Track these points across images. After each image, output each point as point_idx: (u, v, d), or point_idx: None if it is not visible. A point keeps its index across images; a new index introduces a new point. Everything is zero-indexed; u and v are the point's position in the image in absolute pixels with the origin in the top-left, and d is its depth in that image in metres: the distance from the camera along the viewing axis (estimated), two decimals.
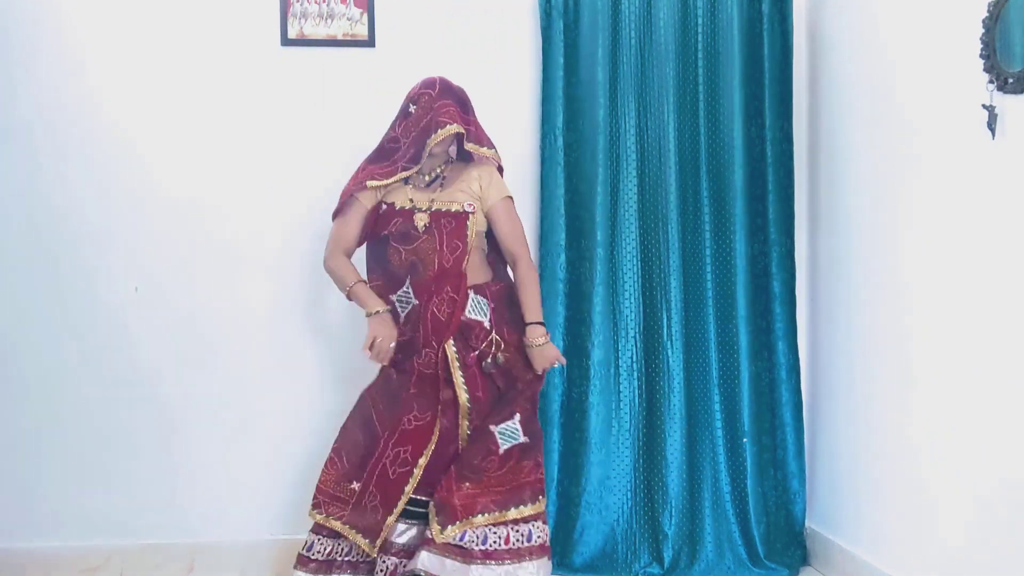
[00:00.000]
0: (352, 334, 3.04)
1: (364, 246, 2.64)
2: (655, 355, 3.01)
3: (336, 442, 2.55)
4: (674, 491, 2.98)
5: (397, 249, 2.53)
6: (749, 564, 2.97)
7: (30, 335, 2.97)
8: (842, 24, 2.93)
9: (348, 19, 3.01)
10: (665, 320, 3.00)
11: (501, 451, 2.46)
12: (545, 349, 2.52)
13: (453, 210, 2.51)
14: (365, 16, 3.01)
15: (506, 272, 2.67)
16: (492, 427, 2.47)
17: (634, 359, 3.01)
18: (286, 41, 3.00)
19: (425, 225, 2.50)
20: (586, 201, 2.99)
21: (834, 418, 3.00)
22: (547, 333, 2.54)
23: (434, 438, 2.45)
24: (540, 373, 2.55)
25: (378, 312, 2.50)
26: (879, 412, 2.70)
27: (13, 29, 2.93)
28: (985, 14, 2.15)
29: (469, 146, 2.53)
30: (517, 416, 2.50)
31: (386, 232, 2.54)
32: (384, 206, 2.56)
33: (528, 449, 2.50)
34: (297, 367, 3.04)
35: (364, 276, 2.60)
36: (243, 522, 3.02)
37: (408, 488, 2.42)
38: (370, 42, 3.02)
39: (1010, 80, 2.08)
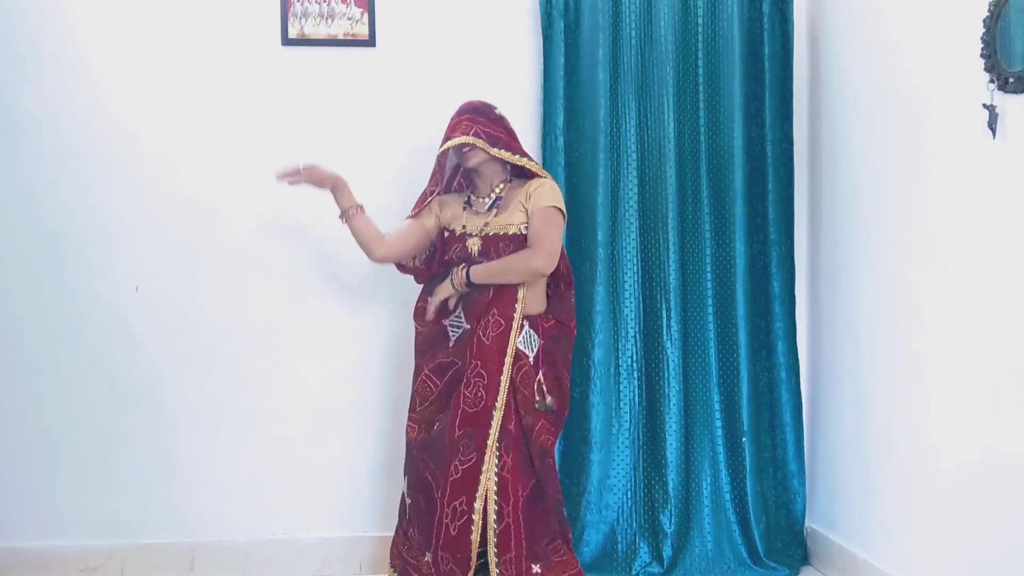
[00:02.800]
0: (353, 335, 3.05)
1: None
2: (655, 355, 3.02)
3: (408, 509, 2.54)
4: (674, 490, 2.98)
5: None
6: (749, 563, 2.97)
7: (31, 334, 2.96)
8: (843, 24, 2.93)
9: (349, 19, 3.01)
10: (665, 320, 3.01)
11: (561, 536, 2.48)
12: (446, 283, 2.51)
13: (510, 233, 2.48)
14: (366, 16, 3.01)
15: (559, 306, 2.62)
16: (552, 507, 2.48)
17: (634, 359, 3.02)
18: (287, 41, 2.99)
19: (479, 250, 2.49)
20: (586, 201, 2.99)
21: (834, 418, 3.00)
22: (461, 284, 2.48)
23: (483, 479, 2.39)
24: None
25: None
26: (879, 411, 2.70)
27: (17, 29, 2.92)
28: (986, 14, 2.16)
29: (501, 154, 2.49)
30: (559, 495, 2.53)
31: (447, 259, 2.56)
32: (446, 232, 2.58)
33: (568, 537, 2.53)
34: (297, 367, 3.03)
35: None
36: (243, 522, 3.02)
37: (474, 539, 2.38)
38: (371, 42, 3.02)
39: (1011, 80, 2.09)
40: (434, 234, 2.64)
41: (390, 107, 3.02)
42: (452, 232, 2.56)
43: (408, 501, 2.55)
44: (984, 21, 2.16)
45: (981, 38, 2.17)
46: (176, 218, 2.99)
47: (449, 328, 2.54)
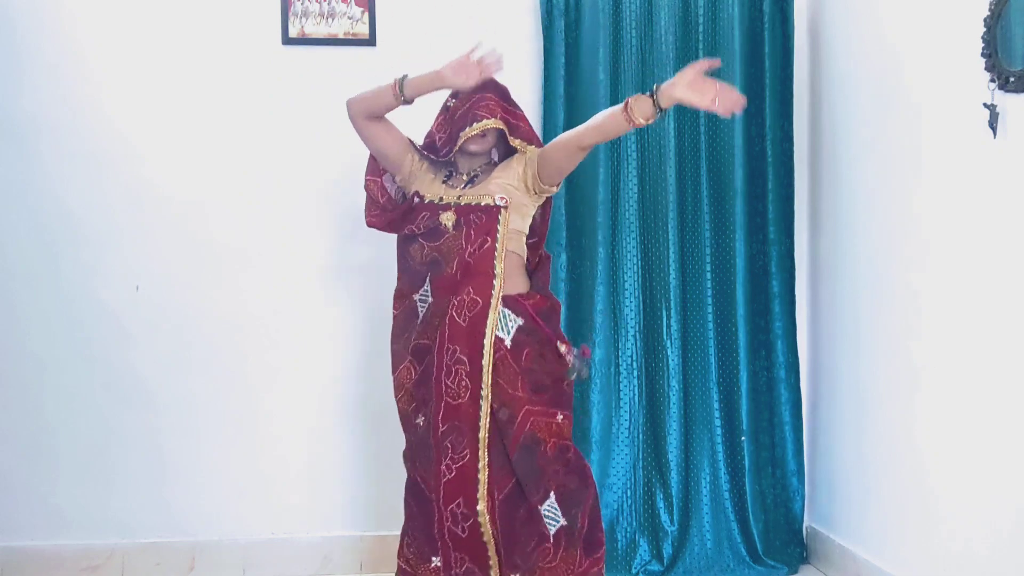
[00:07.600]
0: (353, 334, 3.05)
1: (396, 245, 2.46)
2: (655, 354, 3.02)
3: (405, 521, 2.38)
4: (674, 489, 2.99)
5: (421, 244, 2.31)
6: (749, 561, 2.98)
7: (31, 334, 2.96)
8: (843, 23, 2.94)
9: (349, 18, 3.01)
10: (665, 319, 3.01)
11: (551, 539, 2.22)
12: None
13: (483, 203, 2.27)
14: (366, 15, 3.01)
15: (541, 279, 2.43)
16: (539, 507, 2.22)
17: (634, 358, 3.02)
18: (287, 40, 2.99)
19: (453, 223, 2.27)
20: (587, 200, 2.99)
21: (834, 416, 3.00)
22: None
23: (482, 477, 2.18)
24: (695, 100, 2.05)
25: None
26: (879, 410, 2.71)
27: (16, 28, 2.92)
28: (987, 13, 2.16)
29: (515, 142, 2.31)
30: (552, 495, 2.23)
31: (413, 226, 2.32)
32: (416, 198, 2.35)
33: (572, 534, 2.25)
34: (297, 367, 3.03)
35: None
36: (243, 522, 3.02)
37: (487, 538, 2.19)
38: (371, 41, 3.01)
39: (1011, 79, 2.09)
40: (405, 168, 2.40)
41: None
42: (422, 198, 2.33)
43: (405, 505, 2.39)
44: (985, 20, 2.16)
45: (982, 37, 2.17)
46: (174, 218, 2.98)
47: (419, 303, 2.32)
